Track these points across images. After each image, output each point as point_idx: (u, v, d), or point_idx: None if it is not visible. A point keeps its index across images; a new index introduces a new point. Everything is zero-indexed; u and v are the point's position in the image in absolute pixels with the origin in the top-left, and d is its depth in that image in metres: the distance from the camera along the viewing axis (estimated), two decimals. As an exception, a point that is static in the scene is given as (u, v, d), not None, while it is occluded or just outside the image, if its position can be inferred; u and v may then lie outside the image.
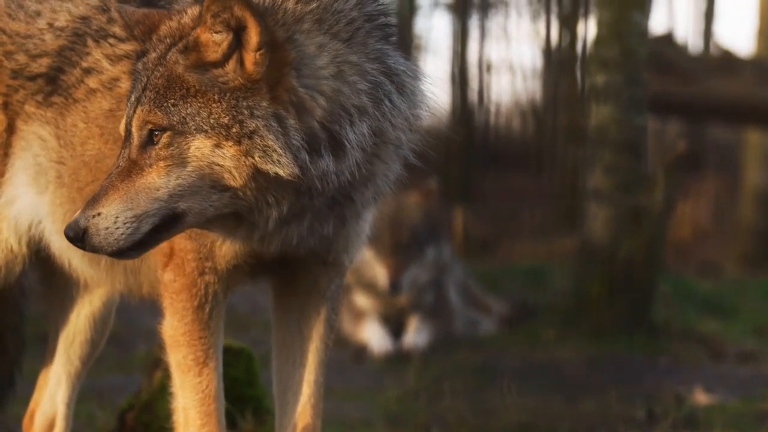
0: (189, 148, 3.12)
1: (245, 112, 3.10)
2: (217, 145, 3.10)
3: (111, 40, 3.74)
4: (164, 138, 3.13)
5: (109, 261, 3.76)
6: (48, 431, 4.26)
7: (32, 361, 4.51)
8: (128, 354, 7.22)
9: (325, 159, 3.15)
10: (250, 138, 3.09)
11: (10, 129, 3.84)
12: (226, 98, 3.11)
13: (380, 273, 8.18)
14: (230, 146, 3.10)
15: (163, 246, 3.51)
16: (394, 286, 8.16)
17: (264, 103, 3.11)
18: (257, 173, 3.11)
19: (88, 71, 3.75)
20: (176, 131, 3.13)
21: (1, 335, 4.30)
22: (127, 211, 3.14)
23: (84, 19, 3.81)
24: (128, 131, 3.21)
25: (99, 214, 3.14)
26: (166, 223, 3.16)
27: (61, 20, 3.83)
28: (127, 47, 3.64)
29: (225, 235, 3.32)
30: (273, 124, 3.10)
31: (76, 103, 3.75)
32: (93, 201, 3.17)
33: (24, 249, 3.91)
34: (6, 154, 3.85)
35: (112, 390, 5.92)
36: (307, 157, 3.12)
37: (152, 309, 3.71)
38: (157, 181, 3.13)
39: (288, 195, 3.16)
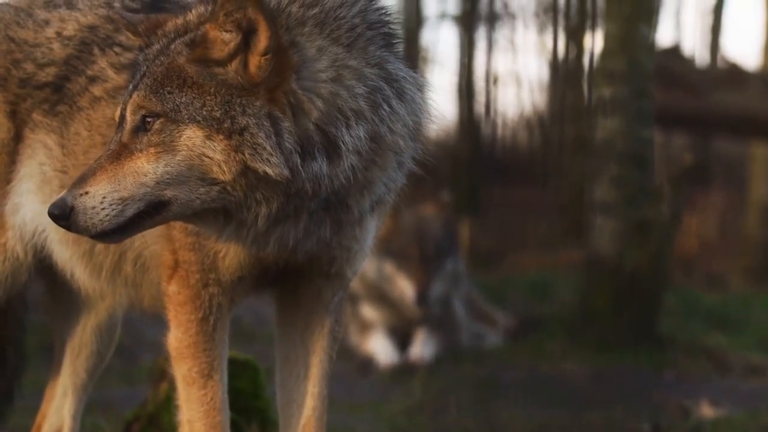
0: (180, 137, 3.11)
1: (238, 108, 3.10)
2: (209, 137, 3.10)
3: (117, 49, 3.75)
4: (157, 124, 3.13)
5: (110, 273, 3.76)
6: (55, 444, 4.26)
7: (36, 372, 4.51)
8: (133, 365, 7.21)
9: (319, 161, 3.15)
10: (240, 134, 3.08)
11: (17, 137, 3.83)
12: (221, 93, 3.11)
13: (406, 286, 8.12)
14: (221, 140, 3.09)
15: (167, 258, 3.53)
16: (423, 298, 8.07)
17: (258, 103, 3.11)
18: (247, 170, 3.10)
19: (93, 79, 3.75)
20: (169, 118, 3.12)
21: (1, 348, 4.28)
22: (113, 192, 3.12)
23: (92, 28, 3.81)
24: (122, 116, 3.21)
25: (86, 193, 3.12)
26: (151, 210, 3.14)
27: (69, 29, 3.82)
28: (133, 56, 3.62)
29: (214, 233, 3.29)
30: (265, 123, 3.09)
31: (80, 112, 3.75)
32: (80, 180, 3.16)
33: (29, 258, 3.89)
34: (12, 162, 3.84)
35: (117, 401, 5.92)
36: (299, 160, 3.11)
37: (157, 320, 3.71)
38: (146, 166, 3.12)
39: (277, 195, 3.15)
